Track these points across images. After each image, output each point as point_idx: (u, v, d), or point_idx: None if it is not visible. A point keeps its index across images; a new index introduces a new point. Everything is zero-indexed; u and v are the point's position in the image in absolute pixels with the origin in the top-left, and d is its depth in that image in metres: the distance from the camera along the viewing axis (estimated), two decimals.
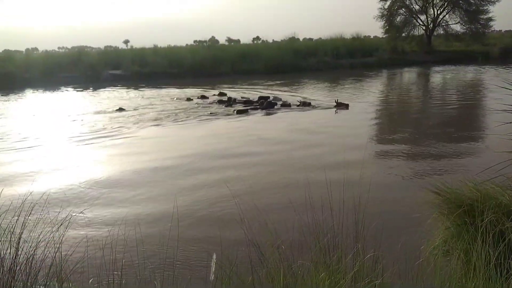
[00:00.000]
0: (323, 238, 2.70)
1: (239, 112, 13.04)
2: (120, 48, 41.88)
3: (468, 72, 25.95)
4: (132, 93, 19.70)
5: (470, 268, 2.46)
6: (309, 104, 13.66)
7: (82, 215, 5.12)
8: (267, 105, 13.70)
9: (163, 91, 19.59)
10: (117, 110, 14.16)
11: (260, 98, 14.99)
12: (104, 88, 22.16)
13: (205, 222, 5.04)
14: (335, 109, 13.00)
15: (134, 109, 14.36)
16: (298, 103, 13.88)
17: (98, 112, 13.96)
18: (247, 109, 13.32)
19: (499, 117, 4.68)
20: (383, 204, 4.98)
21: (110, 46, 43.22)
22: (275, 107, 13.78)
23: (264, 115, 12.83)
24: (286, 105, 14.06)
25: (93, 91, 21.19)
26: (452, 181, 3.46)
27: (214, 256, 2.79)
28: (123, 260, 2.81)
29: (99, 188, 6.40)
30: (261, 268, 2.60)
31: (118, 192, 6.23)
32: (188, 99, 16.30)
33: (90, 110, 14.54)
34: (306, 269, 2.53)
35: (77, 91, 21.46)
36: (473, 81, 21.86)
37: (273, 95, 15.92)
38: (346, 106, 13.08)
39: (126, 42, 54.81)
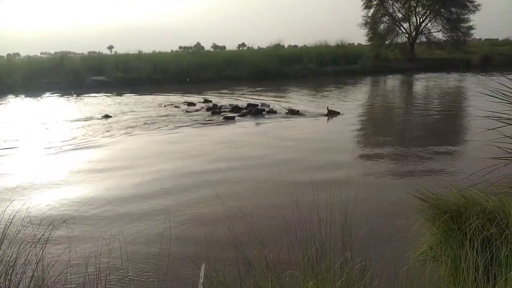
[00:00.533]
0: (311, 247, 2.68)
1: (226, 118, 13.00)
2: (104, 53, 41.49)
3: (450, 80, 26.41)
4: (117, 99, 19.49)
5: (458, 274, 2.47)
6: (297, 112, 13.60)
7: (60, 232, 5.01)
8: (255, 112, 13.67)
9: (148, 98, 19.40)
10: (103, 116, 13.86)
11: (249, 105, 14.93)
12: (88, 94, 21.89)
13: (192, 231, 4.98)
14: (325, 117, 12.88)
15: (119, 116, 14.09)
16: (286, 111, 13.79)
17: (80, 119, 13.63)
18: (234, 116, 13.24)
19: (482, 124, 4.75)
20: (370, 212, 4.99)
21: (94, 52, 42.79)
22: (263, 113, 13.79)
23: (252, 122, 12.72)
24: (272, 112, 14.01)
25: (76, 97, 20.92)
26: (437, 187, 3.48)
27: (203, 267, 2.74)
28: (107, 271, 2.75)
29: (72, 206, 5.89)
30: (249, 278, 2.56)
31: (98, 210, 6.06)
32: (175, 106, 16.06)
33: (71, 117, 14.21)
34: (295, 278, 2.50)
35: (60, 97, 21.16)
36: (455, 89, 22.25)
37: (260, 102, 15.88)
38: (337, 114, 13.07)
39: (110, 47, 54.49)
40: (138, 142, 10.35)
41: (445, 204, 3.21)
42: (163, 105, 16.46)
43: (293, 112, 13.56)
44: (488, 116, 4.39)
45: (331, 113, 13.12)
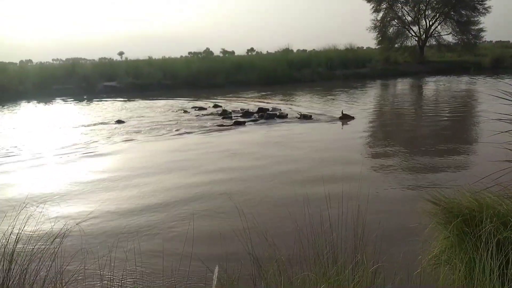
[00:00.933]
0: (323, 251, 2.68)
1: (237, 123, 12.81)
2: (114, 60, 41.90)
3: (461, 82, 26.21)
4: (128, 104, 19.62)
5: (472, 278, 2.45)
6: (309, 117, 13.29)
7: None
8: (266, 116, 13.55)
9: (159, 103, 19.47)
10: (116, 122, 13.90)
11: (260, 109, 14.80)
12: (99, 99, 22.12)
13: (205, 235, 5.00)
14: (339, 121, 12.67)
15: (130, 121, 14.15)
16: (299, 116, 13.53)
17: (91, 124, 13.74)
18: (245, 122, 13.05)
19: (494, 126, 4.71)
20: (381, 215, 4.95)
21: (105, 58, 43.26)
22: (275, 118, 13.59)
23: (263, 127, 12.51)
24: (284, 116, 13.81)
25: (87, 102, 21.15)
26: (449, 190, 3.46)
27: (217, 269, 2.76)
28: (123, 272, 2.77)
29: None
30: (261, 281, 2.57)
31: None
32: (185, 111, 15.99)
33: (83, 122, 14.34)
34: (306, 282, 2.51)
35: (71, 103, 21.40)
36: (466, 91, 22.06)
37: (271, 107, 15.74)
38: (351, 118, 12.80)
39: (121, 54, 54.98)
40: (144, 149, 10.19)
41: (458, 207, 3.18)
42: (174, 111, 16.49)
43: (305, 117, 13.29)
44: (500, 119, 4.36)
45: (345, 117, 12.86)
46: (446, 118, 13.25)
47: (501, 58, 35.30)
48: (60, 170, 8.38)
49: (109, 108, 18.38)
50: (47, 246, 2.93)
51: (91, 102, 21.33)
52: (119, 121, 13.96)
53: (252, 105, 17.02)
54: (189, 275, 3.58)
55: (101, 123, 13.87)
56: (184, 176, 7.63)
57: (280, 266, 2.59)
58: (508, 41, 56.00)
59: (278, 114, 14.14)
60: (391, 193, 6.23)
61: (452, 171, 7.37)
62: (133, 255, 3.29)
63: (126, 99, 21.74)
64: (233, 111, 15.28)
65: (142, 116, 15.23)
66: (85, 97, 23.27)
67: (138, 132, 12.12)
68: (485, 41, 42.65)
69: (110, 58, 43.48)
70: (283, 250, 2.93)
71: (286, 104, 17.53)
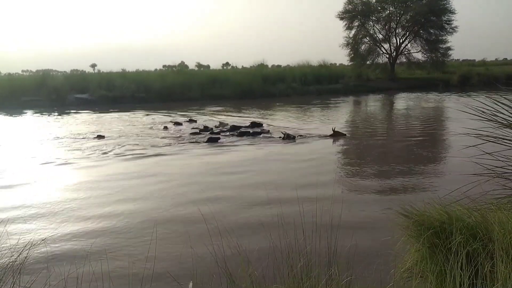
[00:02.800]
0: (297, 264, 2.66)
1: (210, 140, 11.99)
2: (87, 72, 41.30)
3: (430, 99, 26.97)
4: (100, 118, 19.17)
5: None
6: (293, 138, 12.21)
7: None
8: (246, 134, 12.81)
9: (132, 117, 19.07)
10: (95, 137, 12.98)
11: (234, 127, 14.07)
12: (69, 112, 21.62)
13: (177, 248, 4.89)
14: (330, 139, 12.11)
15: (111, 136, 13.28)
16: (282, 135, 12.39)
17: (67, 138, 13.12)
18: (218, 138, 12.35)
19: (463, 141, 4.85)
20: (355, 228, 4.98)
21: (77, 70, 42.60)
22: (260, 136, 12.77)
23: (240, 146, 11.62)
24: (264, 132, 13.18)
25: (57, 115, 20.61)
26: (421, 203, 3.51)
27: (191, 285, 2.69)
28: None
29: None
30: None
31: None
32: (164, 127, 14.99)
33: (58, 135, 13.70)
34: None
35: (40, 115, 20.80)
36: (435, 108, 22.71)
37: (250, 122, 14.98)
38: (343, 136, 12.26)
39: (93, 66, 54.30)
40: (107, 171, 9.05)
41: (429, 220, 3.23)
42: (150, 126, 15.80)
43: (289, 137, 12.18)
44: (468, 134, 4.49)
45: (337, 135, 12.21)
46: (417, 134, 13.55)
47: (468, 75, 36.67)
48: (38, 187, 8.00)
49: (82, 121, 17.92)
50: (10, 263, 2.80)
51: (63, 114, 20.80)
52: (100, 136, 13.12)
53: (228, 119, 16.93)
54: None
55: (80, 138, 13.16)
56: (160, 198, 7.49)
57: (254, 280, 2.55)
58: (474, 60, 58.21)
59: (260, 131, 13.44)
60: (365, 207, 6.28)
61: (423, 185, 7.51)
62: (100, 274, 3.18)
63: (98, 112, 21.33)
64: (215, 127, 14.64)
65: (118, 131, 14.44)
66: (55, 109, 22.71)
67: (106, 151, 11.03)
68: (453, 59, 44.28)
69: (83, 70, 42.87)
70: (257, 264, 2.89)
71: (265, 119, 17.24)
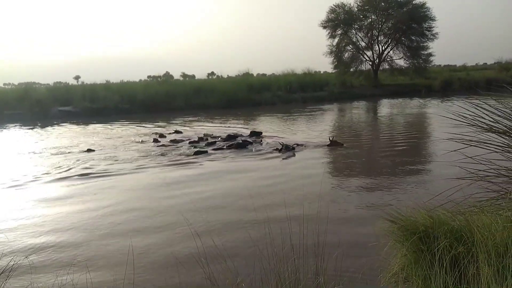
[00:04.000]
0: (284, 273, 2.65)
1: (198, 153, 11.40)
2: (70, 84, 40.89)
3: (413, 105, 27.34)
4: (84, 130, 18.90)
5: None
6: (292, 149, 11.46)
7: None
8: (237, 145, 12.16)
9: (117, 129, 18.74)
10: (85, 151, 12.56)
11: (229, 136, 13.76)
12: (53, 125, 21.32)
13: (162, 264, 4.84)
14: (327, 149, 11.73)
15: (91, 150, 12.81)
16: (281, 147, 11.61)
17: (57, 152, 12.67)
18: (207, 151, 11.76)
19: (445, 146, 4.92)
20: (341, 236, 5.00)
21: (60, 82, 42.16)
22: (248, 147, 12.20)
23: (233, 160, 10.91)
24: (257, 142, 12.79)
25: (40, 128, 20.30)
26: (406, 208, 3.54)
27: None
28: None
29: None
30: None
31: None
32: (155, 140, 14.14)
33: (32, 149, 13.35)
34: None
35: (23, 128, 20.47)
36: (418, 113, 23.01)
37: (241, 133, 14.73)
38: (340, 145, 11.83)
39: (77, 78, 53.83)
40: (83, 192, 8.23)
41: (414, 225, 3.26)
42: (136, 138, 15.25)
43: (287, 149, 11.40)
44: (451, 139, 4.56)
45: (334, 144, 11.85)
46: (401, 139, 13.69)
47: (450, 81, 37.36)
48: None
49: (68, 134, 17.63)
50: None
51: (45, 128, 20.50)
52: (89, 150, 12.73)
53: (215, 130, 16.85)
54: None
55: (68, 152, 12.75)
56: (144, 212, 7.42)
57: None
58: (455, 65, 59.32)
59: (252, 141, 12.92)
60: (351, 214, 6.31)
61: (409, 190, 7.58)
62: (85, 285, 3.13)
63: (83, 124, 21.07)
64: (205, 135, 14.30)
65: (100, 145, 13.87)
66: (38, 123, 22.30)
67: (88, 167, 10.37)
68: (434, 65, 45.09)
69: (66, 83, 42.45)
70: (244, 275, 2.87)
71: (253, 127, 16.89)
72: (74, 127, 20.17)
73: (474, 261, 2.71)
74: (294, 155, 11.15)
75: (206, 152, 11.72)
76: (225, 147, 12.42)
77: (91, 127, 19.90)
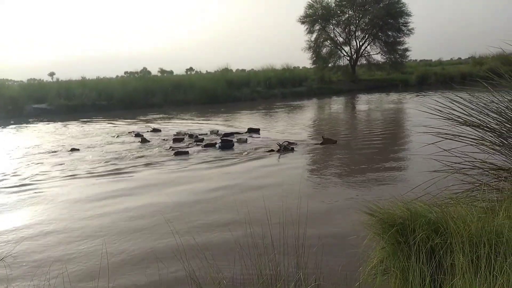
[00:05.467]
0: (265, 268, 2.66)
1: (178, 154, 10.83)
2: (45, 81, 39.98)
3: (391, 99, 27.74)
4: (61, 129, 18.38)
5: (407, 285, 2.53)
6: (291, 149, 10.85)
7: None
8: (222, 146, 11.48)
9: (95, 126, 18.32)
10: (69, 151, 11.97)
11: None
12: (27, 123, 20.81)
13: (144, 261, 4.79)
14: (320, 146, 11.40)
15: (82, 150, 12.18)
16: (278, 147, 10.87)
17: (40, 152, 12.14)
18: (187, 151, 11.05)
19: (422, 139, 5.01)
20: (321, 230, 5.04)
21: (34, 79, 41.13)
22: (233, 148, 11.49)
23: (215, 162, 10.11)
24: (243, 141, 12.21)
25: (15, 127, 19.78)
26: (384, 202, 3.59)
27: None
28: None
29: None
30: None
31: None
32: (137, 135, 13.79)
33: (28, 149, 12.77)
34: None
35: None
36: (396, 107, 23.36)
37: (234, 131, 14.12)
38: (333, 142, 11.51)
39: (52, 74, 52.59)
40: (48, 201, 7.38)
41: (392, 217, 3.31)
42: (114, 136, 14.75)
43: (286, 149, 10.76)
44: (427, 132, 4.64)
45: (327, 142, 11.54)
46: (379, 134, 13.87)
47: (426, 75, 38.07)
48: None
49: (38, 133, 17.20)
50: None
51: (19, 125, 20.00)
52: (74, 149, 12.12)
53: (193, 126, 16.71)
54: None
55: (51, 151, 12.17)
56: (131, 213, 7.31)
57: (222, 287, 2.53)
58: (431, 60, 60.48)
59: (235, 140, 12.33)
60: (330, 208, 6.37)
61: (387, 183, 7.69)
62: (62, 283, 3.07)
63: (60, 122, 20.61)
64: (190, 135, 13.70)
65: (79, 144, 13.04)
66: (11, 121, 21.69)
67: (77, 168, 9.77)
68: (411, 59, 45.82)
69: (40, 79, 41.42)
70: (226, 271, 2.87)
71: (240, 124, 16.65)
72: (47, 126, 19.72)
73: (450, 251, 2.77)
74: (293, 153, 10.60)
75: (187, 153, 10.99)
76: (216, 146, 11.69)
77: (62, 125, 19.42)
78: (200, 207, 6.53)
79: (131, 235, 5.39)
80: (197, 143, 12.48)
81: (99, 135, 15.41)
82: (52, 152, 12.14)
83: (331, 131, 14.03)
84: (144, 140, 13.01)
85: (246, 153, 10.89)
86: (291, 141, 11.76)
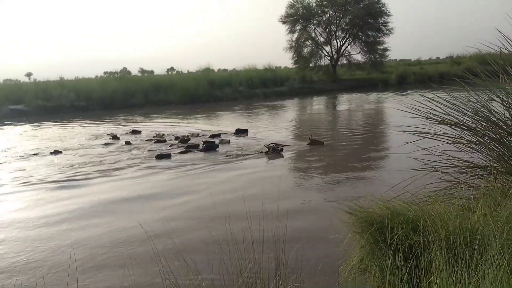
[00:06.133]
0: (246, 269, 2.64)
1: (160, 157, 10.49)
2: (22, 81, 39.10)
3: (371, 98, 28.04)
4: (39, 130, 18.01)
5: (385, 284, 2.55)
6: (280, 150, 10.57)
7: None
8: (206, 148, 11.21)
9: (76, 128, 17.95)
10: (51, 153, 11.64)
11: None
12: (4, 125, 20.34)
13: (116, 263, 4.71)
14: (308, 147, 11.24)
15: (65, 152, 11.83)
16: (267, 149, 10.59)
17: (23, 155, 11.73)
18: (169, 154, 10.77)
19: (401, 138, 5.05)
20: (301, 230, 5.04)
21: (10, 80, 40.20)
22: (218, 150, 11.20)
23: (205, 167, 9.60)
24: (225, 142, 12.05)
25: None
26: (364, 200, 3.61)
27: None
28: None
29: None
30: None
31: None
32: (114, 137, 13.55)
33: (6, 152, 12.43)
34: None
35: None
36: (375, 107, 23.64)
37: (219, 133, 13.78)
38: (321, 144, 11.38)
39: (29, 75, 51.48)
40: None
41: (371, 216, 3.32)
42: (90, 137, 14.48)
43: (275, 151, 10.47)
44: (406, 131, 4.69)
45: (314, 143, 11.37)
46: (359, 133, 14.01)
47: (405, 75, 38.66)
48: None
49: (18, 135, 16.84)
50: None
51: None
52: (56, 151, 11.76)
53: (175, 127, 16.54)
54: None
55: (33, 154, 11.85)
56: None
57: None
58: (410, 59, 61.27)
59: (217, 141, 12.09)
60: (310, 209, 6.39)
61: (367, 182, 7.77)
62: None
63: (37, 123, 20.22)
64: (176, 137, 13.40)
65: (59, 148, 12.43)
66: None
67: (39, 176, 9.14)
68: (390, 59, 46.45)
69: (17, 80, 40.50)
70: (206, 274, 2.84)
71: (225, 125, 16.49)
72: (23, 127, 19.31)
73: (428, 249, 2.79)
74: (282, 156, 10.30)
75: (169, 156, 10.65)
76: (200, 147, 11.44)
77: (50, 127, 18.99)
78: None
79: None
80: (181, 144, 12.24)
81: (72, 138, 14.86)
82: (21, 156, 11.69)
83: (315, 132, 13.95)
84: (127, 143, 12.68)
85: (234, 155, 10.53)
86: (277, 143, 11.44)
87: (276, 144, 11.26)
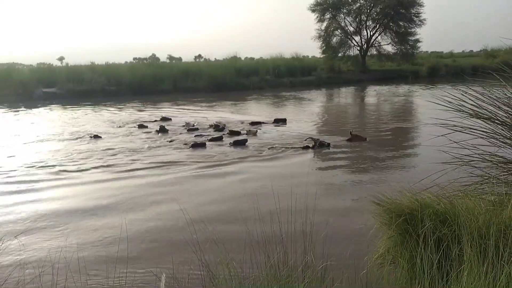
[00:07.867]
0: (273, 253, 2.70)
1: (194, 146, 10.31)
2: (54, 65, 40.01)
3: (401, 90, 27.53)
4: (73, 113, 18.38)
5: (414, 273, 2.57)
6: (328, 145, 10.09)
7: None
8: (235, 142, 10.61)
9: (107, 113, 18.13)
10: (91, 137, 11.75)
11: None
12: (38, 107, 20.95)
13: (155, 244, 4.87)
14: (348, 143, 10.58)
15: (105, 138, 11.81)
16: (312, 143, 10.17)
17: (64, 138, 11.78)
18: (204, 143, 10.61)
19: (431, 131, 5.00)
20: (329, 217, 5.08)
21: (44, 63, 41.16)
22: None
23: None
24: (252, 133, 11.72)
25: (25, 111, 19.92)
26: (392, 192, 3.61)
27: (163, 277, 2.70)
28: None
29: None
30: (212, 286, 2.55)
31: None
32: (141, 126, 13.42)
33: (44, 134, 12.60)
34: (258, 284, 2.51)
35: (7, 111, 20.06)
36: (406, 99, 23.21)
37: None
38: (363, 140, 10.69)
39: (61, 59, 52.49)
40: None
41: (400, 207, 3.33)
42: (124, 125, 14.41)
43: (321, 145, 10.02)
44: (437, 124, 4.63)
45: (356, 139, 10.72)
46: (389, 125, 13.81)
47: (436, 67, 37.68)
48: None
49: (50, 118, 17.33)
50: None
51: (29, 109, 20.11)
52: (96, 136, 11.89)
53: (203, 114, 16.61)
54: (137, 283, 3.47)
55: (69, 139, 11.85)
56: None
57: (231, 270, 2.59)
58: (442, 51, 59.64)
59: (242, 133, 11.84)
60: (339, 197, 6.41)
61: (395, 174, 7.71)
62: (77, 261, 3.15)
63: (68, 106, 20.75)
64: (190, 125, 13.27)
65: (108, 133, 12.65)
66: (21, 105, 21.79)
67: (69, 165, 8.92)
68: (421, 51, 45.23)
69: (50, 64, 41.48)
70: (234, 254, 2.92)
71: (259, 116, 15.73)
72: (62, 110, 19.86)
73: (458, 242, 2.79)
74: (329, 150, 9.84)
75: (204, 145, 10.53)
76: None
77: (84, 111, 19.24)
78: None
79: None
80: (216, 133, 12.18)
81: (111, 123, 15.01)
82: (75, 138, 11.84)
83: (351, 126, 13.31)
84: (163, 130, 12.66)
85: (279, 147, 10.10)
86: (315, 137, 10.79)
87: (312, 138, 10.70)
